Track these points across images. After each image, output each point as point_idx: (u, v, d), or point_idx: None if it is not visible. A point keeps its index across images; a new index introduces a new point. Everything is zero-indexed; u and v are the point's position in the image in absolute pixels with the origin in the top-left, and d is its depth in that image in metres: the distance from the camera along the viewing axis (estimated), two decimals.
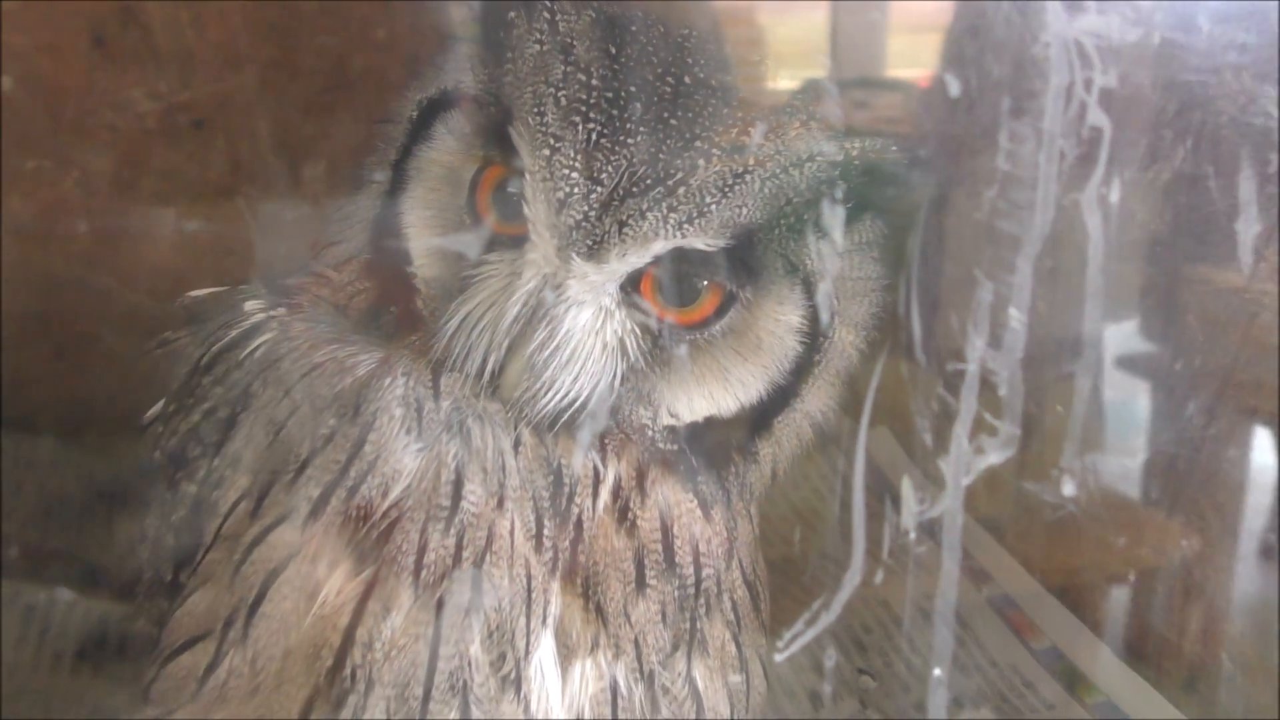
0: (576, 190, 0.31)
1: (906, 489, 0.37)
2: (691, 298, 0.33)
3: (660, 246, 0.32)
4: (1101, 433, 0.61)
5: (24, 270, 0.75)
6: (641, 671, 0.34)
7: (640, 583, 0.34)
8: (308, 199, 0.68)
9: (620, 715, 0.34)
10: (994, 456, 0.32)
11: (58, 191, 0.73)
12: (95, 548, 0.61)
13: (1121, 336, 0.65)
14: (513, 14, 0.34)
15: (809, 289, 0.33)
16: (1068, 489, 0.43)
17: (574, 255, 0.32)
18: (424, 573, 0.33)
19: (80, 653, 0.58)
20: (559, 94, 0.31)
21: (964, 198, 0.38)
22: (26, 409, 0.77)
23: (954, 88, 0.34)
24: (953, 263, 0.39)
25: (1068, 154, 0.32)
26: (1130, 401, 0.63)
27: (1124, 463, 0.62)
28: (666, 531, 0.34)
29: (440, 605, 0.32)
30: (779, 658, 0.35)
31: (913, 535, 0.34)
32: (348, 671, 0.32)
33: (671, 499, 0.34)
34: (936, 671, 0.51)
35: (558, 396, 0.33)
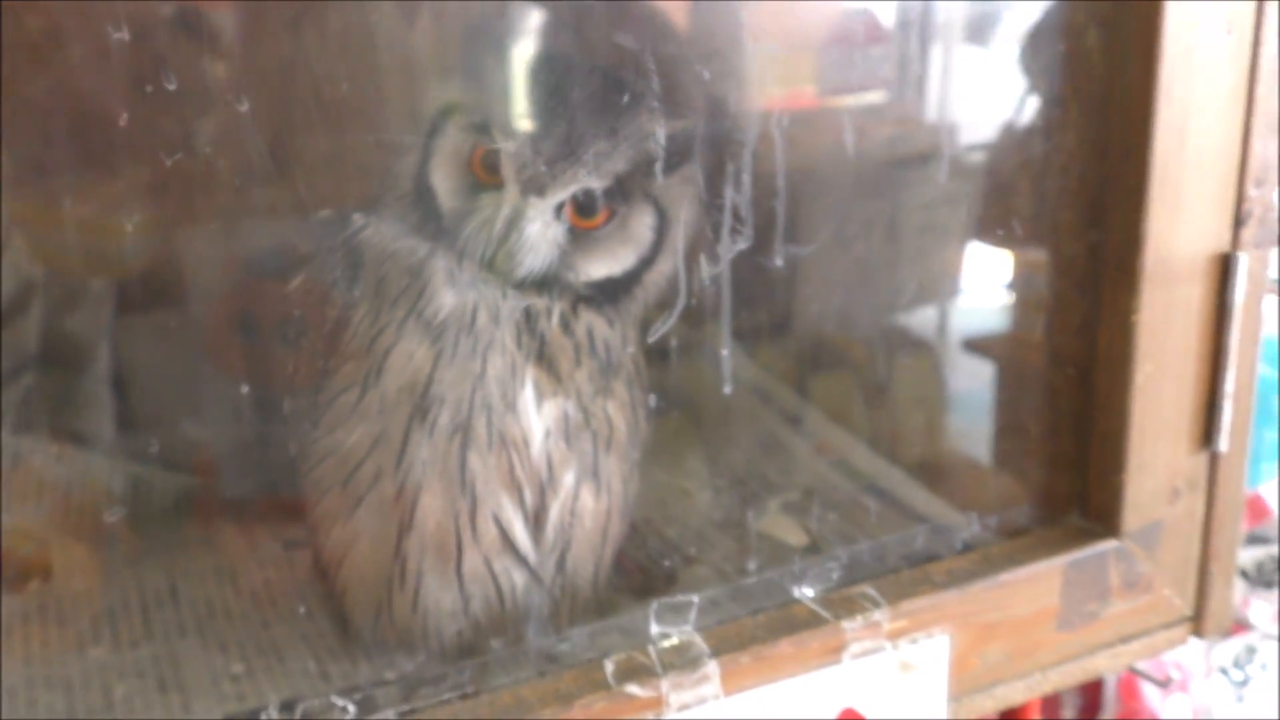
0: (528, 161, 0.61)
1: None
2: (592, 213, 0.62)
3: (575, 188, 0.61)
4: None
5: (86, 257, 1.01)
6: (580, 406, 0.64)
7: (577, 361, 0.64)
8: None
9: (569, 428, 0.65)
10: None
11: (111, 196, 1.01)
12: None
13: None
14: (488, 59, 0.64)
15: (654, 203, 0.64)
16: None
17: (530, 195, 0.61)
18: (458, 352, 0.62)
19: None
20: (513, 111, 0.62)
21: None
22: (89, 364, 1.04)
23: None
24: None
25: None
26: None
27: None
28: (590, 333, 0.64)
29: (478, 368, 0.62)
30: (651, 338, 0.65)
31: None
32: (430, 398, 0.61)
33: (592, 319, 0.63)
34: None
35: (525, 268, 0.62)
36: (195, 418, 0.91)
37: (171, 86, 0.81)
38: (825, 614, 0.62)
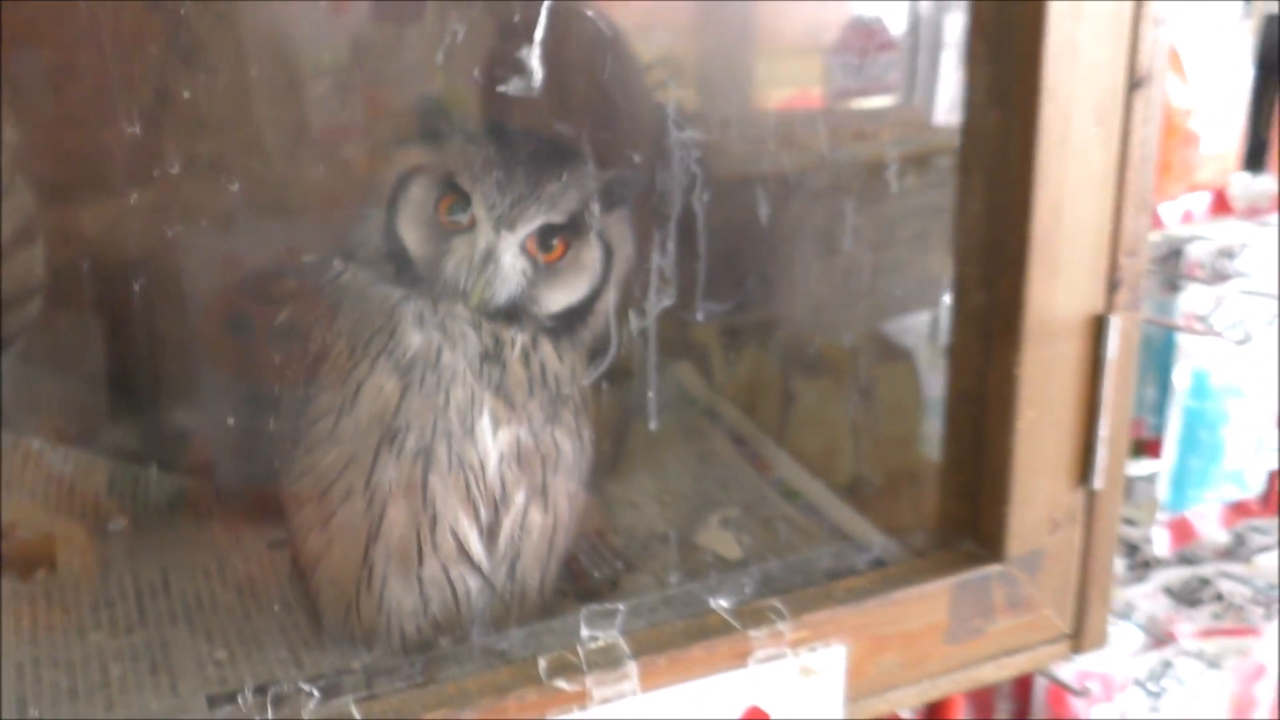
0: (496, 202, 0.70)
1: None
2: (551, 248, 0.72)
3: (538, 222, 0.71)
4: None
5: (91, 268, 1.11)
6: (531, 432, 0.74)
7: (530, 391, 0.73)
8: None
9: (521, 452, 0.74)
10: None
11: (115, 211, 1.10)
12: None
13: None
14: (441, 124, 0.74)
15: (600, 237, 0.73)
16: None
17: (502, 229, 0.70)
18: (424, 385, 0.72)
19: None
20: (479, 163, 0.71)
21: None
22: (90, 369, 1.13)
23: None
24: None
25: None
26: None
27: None
28: (543, 367, 0.73)
29: (442, 400, 0.71)
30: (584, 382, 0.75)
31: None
32: (398, 424, 0.71)
33: (546, 351, 0.73)
34: None
35: (500, 296, 0.71)
36: (187, 415, 1.00)
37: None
38: (735, 623, 0.72)
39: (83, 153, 1.04)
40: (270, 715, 0.63)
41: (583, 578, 0.89)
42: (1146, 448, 1.70)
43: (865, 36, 1.09)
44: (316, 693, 0.64)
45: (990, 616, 0.80)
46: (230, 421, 0.95)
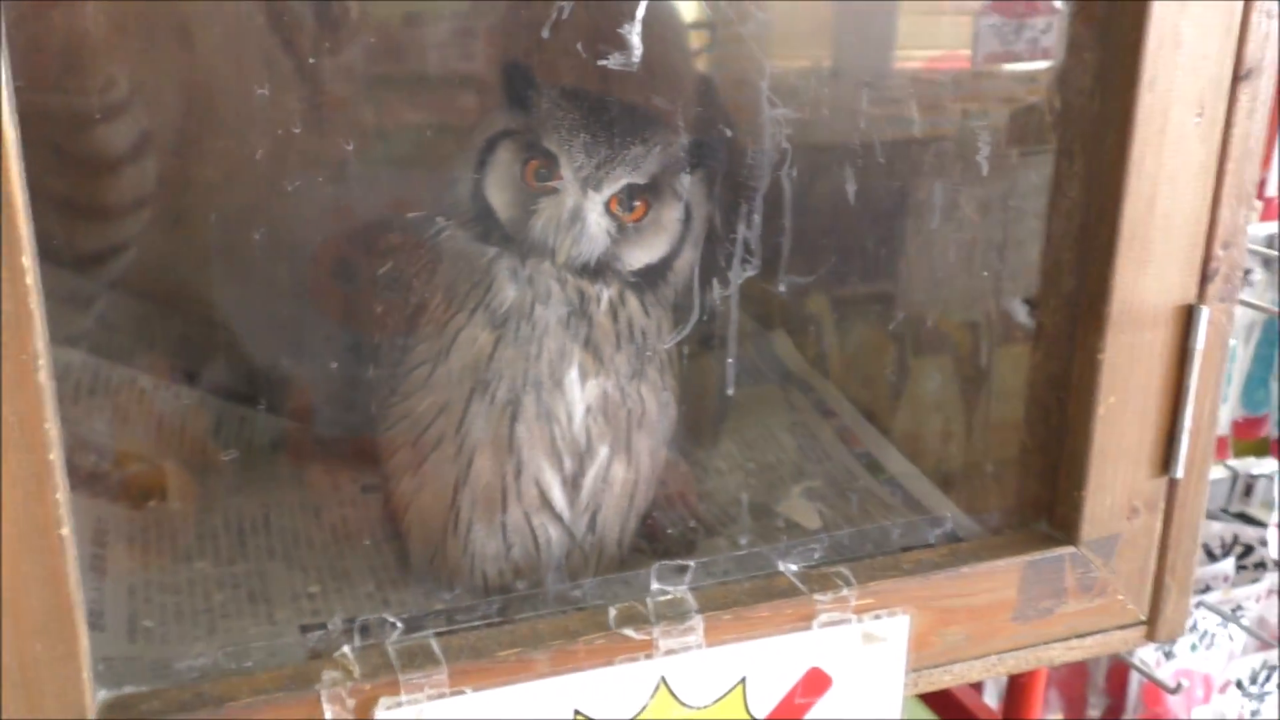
0: (583, 164, 0.77)
1: None
2: (633, 208, 0.79)
3: (622, 183, 0.77)
4: None
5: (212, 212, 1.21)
6: (618, 386, 0.81)
7: (617, 345, 0.80)
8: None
9: (607, 405, 0.81)
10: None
11: (236, 162, 1.19)
12: None
13: None
14: (528, 90, 0.80)
15: (680, 199, 0.80)
16: None
17: (588, 189, 0.77)
18: (518, 337, 0.79)
19: None
20: (566, 126, 0.78)
21: None
22: (203, 310, 1.23)
23: None
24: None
25: None
26: None
27: None
28: (630, 321, 0.80)
29: (533, 351, 0.79)
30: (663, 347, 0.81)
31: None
32: (490, 375, 0.78)
33: (633, 305, 0.80)
34: None
35: (584, 256, 0.78)
36: (292, 360, 1.09)
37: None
38: (801, 586, 0.78)
39: (209, 103, 1.14)
40: (357, 643, 0.71)
41: (661, 538, 0.95)
42: (1273, 446, 1.70)
43: None
44: (400, 625, 0.72)
45: (1060, 598, 0.84)
46: (333, 367, 1.04)
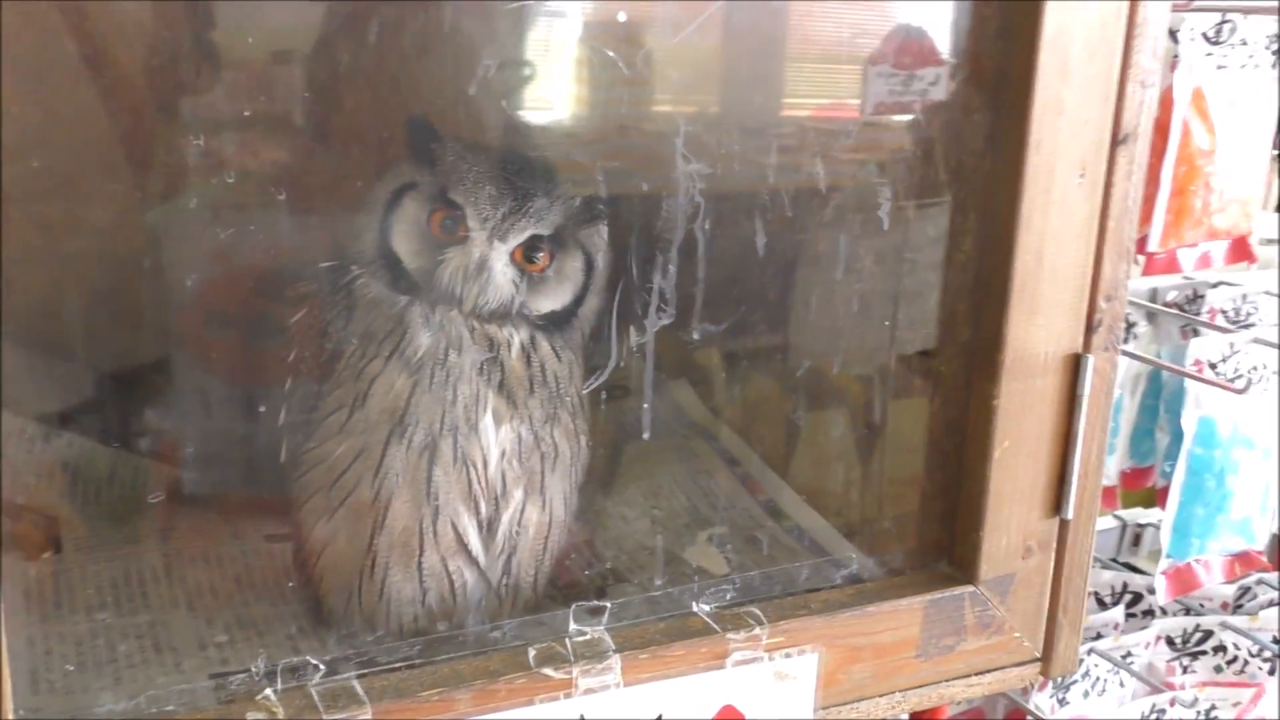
0: (489, 215, 0.84)
1: None
2: (536, 258, 0.85)
3: (527, 234, 0.84)
4: None
5: (100, 257, 1.24)
6: (531, 430, 0.87)
7: (530, 390, 0.86)
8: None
9: (522, 449, 0.87)
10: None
11: (127, 203, 1.23)
12: None
13: None
14: (432, 143, 0.87)
15: (582, 248, 0.88)
16: None
17: (494, 240, 0.83)
18: (433, 383, 0.85)
19: None
20: (471, 178, 0.84)
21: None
22: (94, 358, 1.26)
23: None
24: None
25: None
26: None
27: None
28: (542, 365, 0.86)
29: (449, 396, 0.84)
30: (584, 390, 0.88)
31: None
32: (408, 419, 0.84)
33: (544, 350, 0.86)
34: None
35: (490, 305, 0.84)
36: (190, 408, 1.13)
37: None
38: (715, 626, 0.84)
39: (100, 141, 1.18)
40: (279, 686, 0.75)
41: (572, 584, 1.01)
42: (1159, 496, 1.82)
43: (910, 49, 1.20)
44: (321, 666, 0.77)
45: (961, 635, 0.92)
46: (233, 419, 1.08)
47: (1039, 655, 0.96)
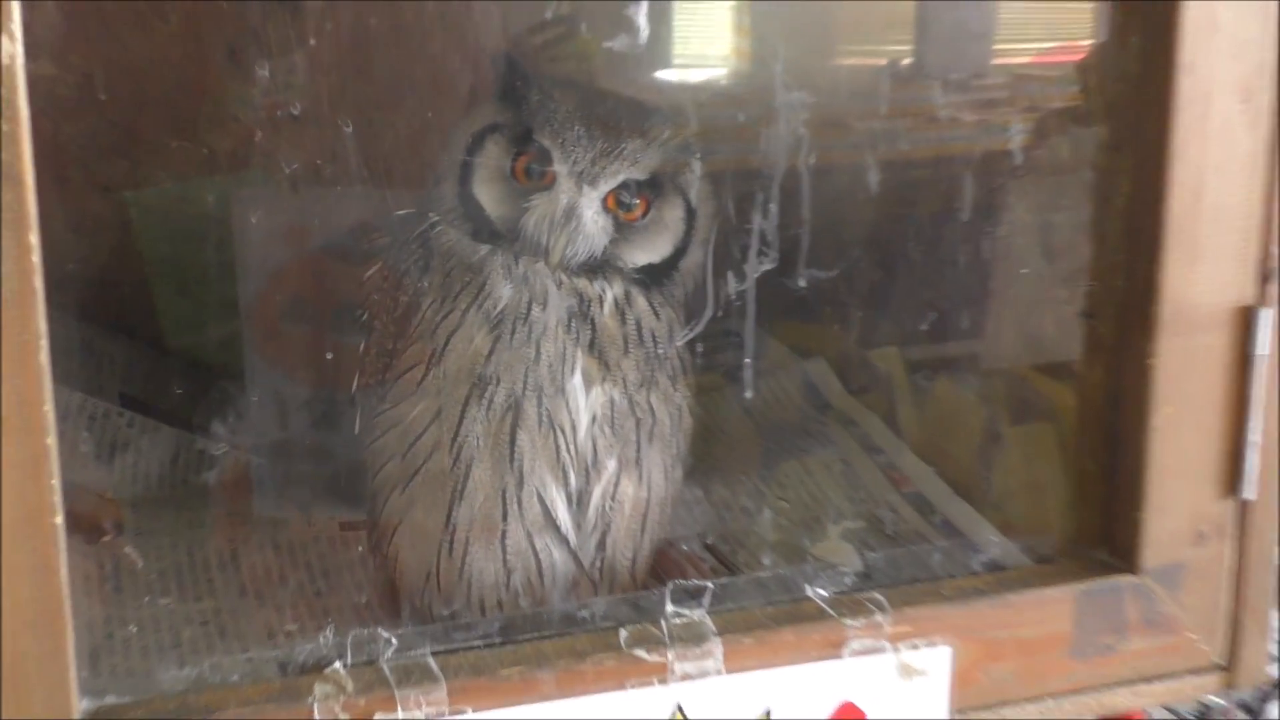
0: (578, 159, 0.94)
1: None
2: (631, 206, 0.96)
3: (620, 179, 0.94)
4: None
5: (163, 222, 1.40)
6: (626, 394, 0.98)
7: (625, 349, 0.97)
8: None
9: (615, 415, 0.98)
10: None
11: (193, 164, 1.38)
12: None
13: None
14: (518, 81, 0.99)
15: (683, 196, 0.98)
16: None
17: (584, 185, 0.94)
18: (514, 339, 0.96)
19: None
20: (559, 117, 0.95)
21: None
22: (154, 333, 1.42)
23: None
24: None
25: None
26: None
27: None
28: (638, 323, 0.97)
29: (532, 354, 0.96)
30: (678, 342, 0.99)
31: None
32: (487, 378, 0.95)
33: (640, 306, 0.97)
34: None
35: (579, 257, 0.95)
36: (263, 390, 1.27)
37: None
38: (830, 611, 0.94)
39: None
40: (349, 659, 0.87)
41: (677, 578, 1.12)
42: None
43: None
44: (394, 640, 0.89)
45: (1122, 633, 1.00)
46: (306, 400, 1.22)
47: (1222, 662, 1.03)
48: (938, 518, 1.22)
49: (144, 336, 1.40)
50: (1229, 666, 1.04)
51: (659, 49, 1.21)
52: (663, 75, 1.23)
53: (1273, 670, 1.11)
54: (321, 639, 0.89)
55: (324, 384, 1.23)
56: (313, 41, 1.14)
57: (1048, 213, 1.20)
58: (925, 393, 1.29)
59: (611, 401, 0.98)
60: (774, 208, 0.96)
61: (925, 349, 1.34)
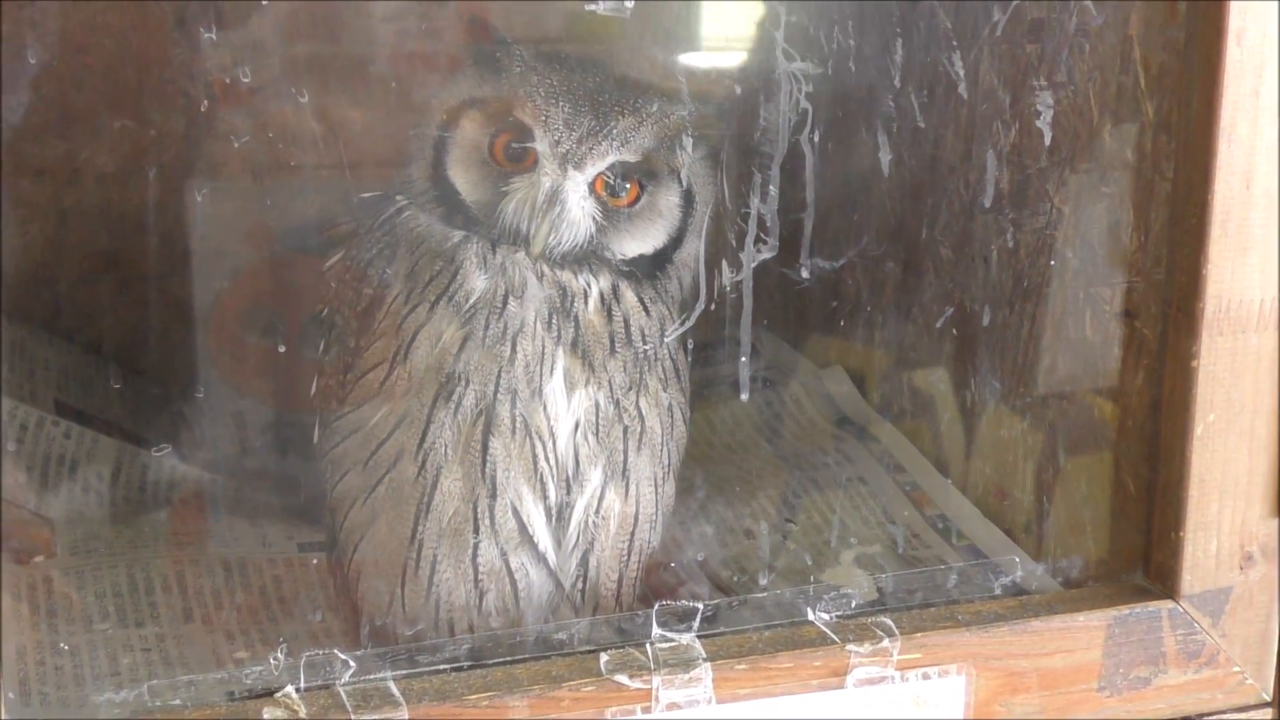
0: (562, 138, 0.96)
1: None
2: (621, 192, 0.98)
3: (609, 161, 0.96)
4: None
5: (104, 212, 1.44)
6: (611, 398, 1.00)
7: (612, 349, 1.00)
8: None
9: (599, 421, 1.01)
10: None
11: (138, 145, 1.42)
12: None
13: None
14: (498, 54, 1.02)
15: (680, 181, 1.00)
16: None
17: (568, 168, 0.96)
18: (487, 335, 0.99)
19: None
20: (542, 94, 0.97)
21: None
22: (93, 335, 1.46)
23: None
24: None
25: None
26: None
27: None
28: (626, 320, 1.00)
29: (506, 353, 0.99)
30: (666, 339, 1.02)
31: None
32: (458, 377, 0.98)
33: (629, 301, 1.00)
34: None
35: (564, 244, 0.97)
36: (210, 398, 1.31)
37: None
38: (833, 635, 0.97)
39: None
40: (302, 683, 0.91)
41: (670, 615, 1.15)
42: None
43: None
44: (352, 663, 0.92)
45: (1159, 665, 1.03)
46: (264, 408, 1.27)
47: (1269, 698, 1.05)
48: (964, 542, 1.25)
49: (82, 340, 1.43)
50: (1278, 704, 1.07)
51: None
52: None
53: None
54: (272, 660, 0.92)
55: (283, 392, 1.26)
56: (265, 1, 1.17)
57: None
58: (976, 417, 1.32)
59: (596, 406, 1.00)
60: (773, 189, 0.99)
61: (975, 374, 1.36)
